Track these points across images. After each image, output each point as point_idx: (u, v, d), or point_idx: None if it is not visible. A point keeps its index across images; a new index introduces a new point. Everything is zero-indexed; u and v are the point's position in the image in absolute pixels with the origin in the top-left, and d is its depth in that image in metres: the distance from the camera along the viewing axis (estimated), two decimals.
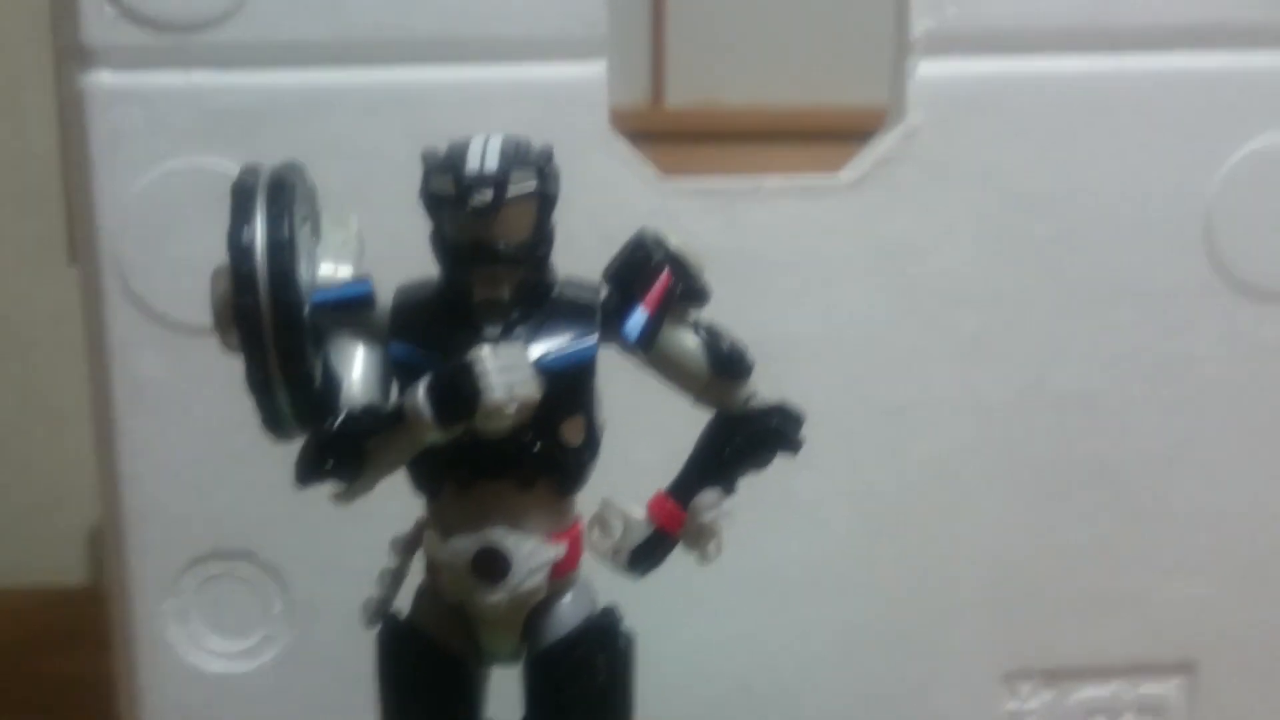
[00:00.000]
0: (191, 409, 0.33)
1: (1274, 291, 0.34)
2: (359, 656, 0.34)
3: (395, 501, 0.33)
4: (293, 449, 0.33)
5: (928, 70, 0.33)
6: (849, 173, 0.33)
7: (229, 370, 0.33)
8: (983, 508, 0.35)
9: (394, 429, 0.19)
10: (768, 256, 0.33)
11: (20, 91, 1.17)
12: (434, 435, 0.19)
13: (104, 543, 0.34)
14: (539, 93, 0.32)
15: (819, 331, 0.34)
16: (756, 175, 0.33)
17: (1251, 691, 0.36)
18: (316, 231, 0.22)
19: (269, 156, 0.32)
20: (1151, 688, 0.36)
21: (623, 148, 0.32)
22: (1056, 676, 0.36)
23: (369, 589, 0.34)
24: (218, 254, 0.32)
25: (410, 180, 0.32)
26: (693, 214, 0.33)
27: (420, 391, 0.19)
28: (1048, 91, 0.33)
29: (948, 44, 0.33)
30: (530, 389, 0.19)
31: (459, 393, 0.18)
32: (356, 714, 0.34)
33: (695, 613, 0.35)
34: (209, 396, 0.33)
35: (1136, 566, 0.35)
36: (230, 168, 0.32)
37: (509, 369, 0.19)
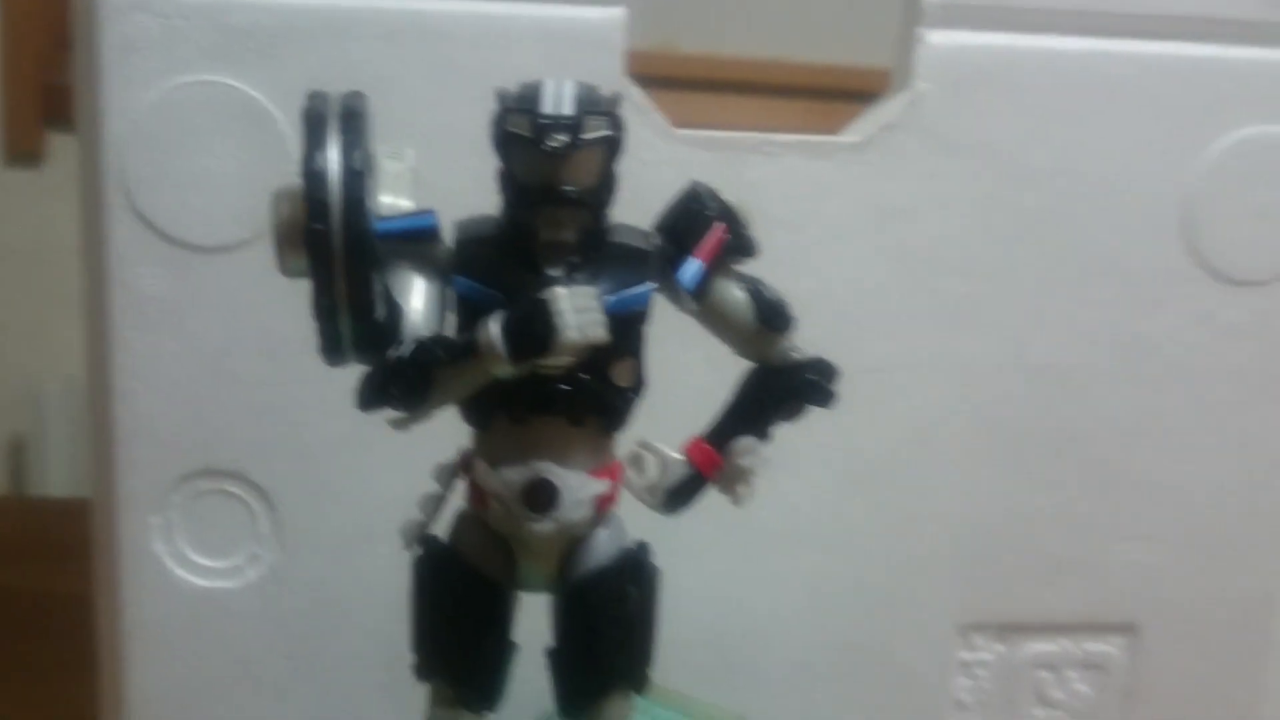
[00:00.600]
0: (189, 327, 0.33)
1: (1243, 278, 0.36)
2: (342, 580, 0.35)
3: (381, 430, 0.34)
4: (290, 374, 0.33)
5: (936, 40, 0.33)
6: (853, 135, 0.34)
7: (229, 290, 0.33)
8: (953, 469, 0.36)
9: (464, 361, 0.20)
10: (770, 211, 0.34)
11: None
12: (504, 369, 0.19)
13: (93, 456, 0.34)
14: (556, 34, 0.32)
15: (812, 288, 0.34)
16: (766, 130, 0.33)
17: (1187, 653, 0.38)
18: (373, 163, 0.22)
19: (284, 77, 0.32)
20: (1096, 646, 0.38)
21: (636, 94, 0.33)
22: (1008, 631, 0.38)
23: (354, 514, 0.34)
24: (225, 172, 0.32)
25: (426, 110, 0.32)
26: (701, 165, 0.33)
27: (494, 327, 0.19)
28: (1049, 70, 0.34)
29: (956, 16, 0.34)
30: (601, 330, 0.19)
31: (535, 330, 0.19)
32: (337, 635, 0.35)
33: (667, 559, 0.36)
34: (208, 315, 0.33)
35: (1090, 532, 0.37)
36: (243, 86, 0.32)
37: (583, 310, 0.19)
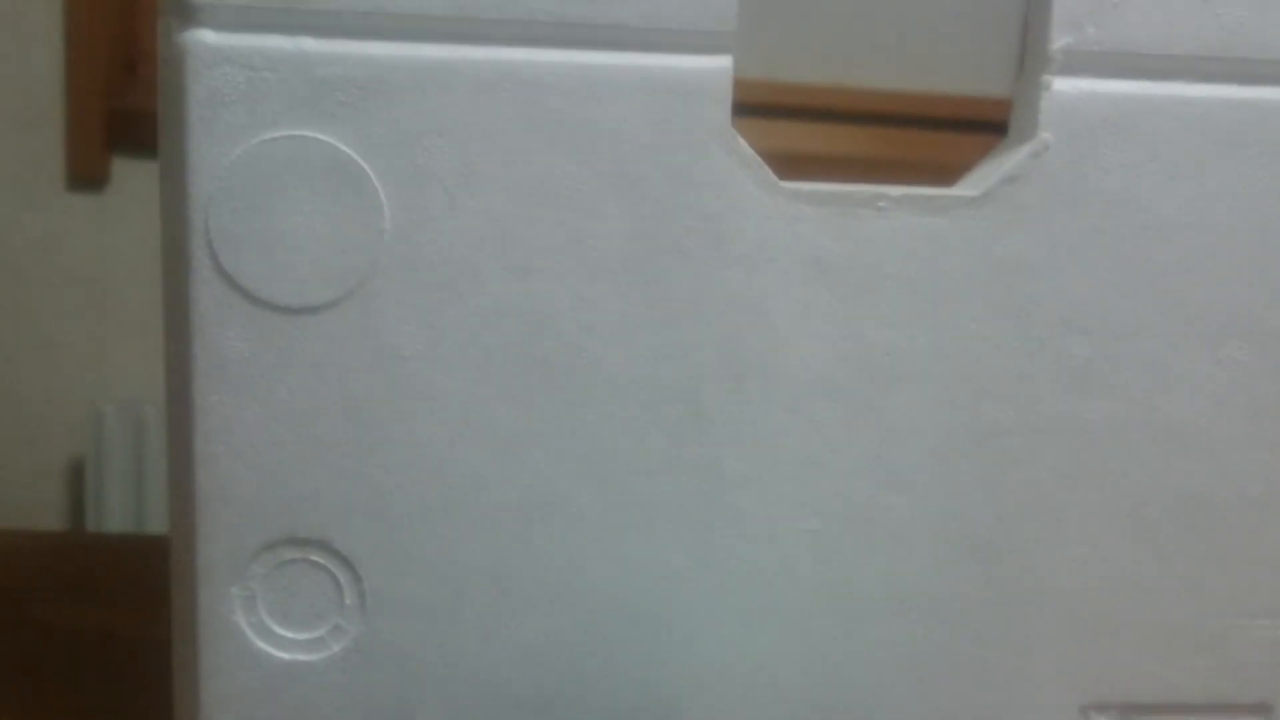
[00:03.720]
0: (275, 390, 0.31)
1: None
2: (429, 653, 0.33)
3: (470, 497, 0.32)
4: (376, 439, 0.32)
5: (1061, 88, 0.31)
6: (972, 188, 0.32)
7: (315, 352, 0.31)
8: (1073, 538, 0.34)
9: None
10: (881, 269, 0.32)
11: (24, 13, 1.14)
12: None
13: (172, 523, 0.33)
14: (660, 85, 0.31)
15: (925, 348, 0.33)
16: (880, 185, 0.31)
17: None
18: None
19: (375, 131, 0.31)
20: None
21: (743, 147, 0.31)
22: (1133, 711, 0.35)
23: (442, 585, 0.33)
24: (313, 230, 0.31)
25: (522, 164, 0.31)
26: (810, 221, 0.31)
27: None
28: (1181, 119, 0.32)
29: (1081, 63, 0.32)
30: None
31: None
32: (424, 712, 0.33)
33: (770, 625, 0.34)
34: (293, 379, 0.31)
35: (1219, 606, 0.35)
36: (333, 141, 0.30)
37: None
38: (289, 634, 0.33)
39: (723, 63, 0.30)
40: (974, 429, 0.33)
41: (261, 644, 0.32)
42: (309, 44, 0.30)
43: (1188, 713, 0.35)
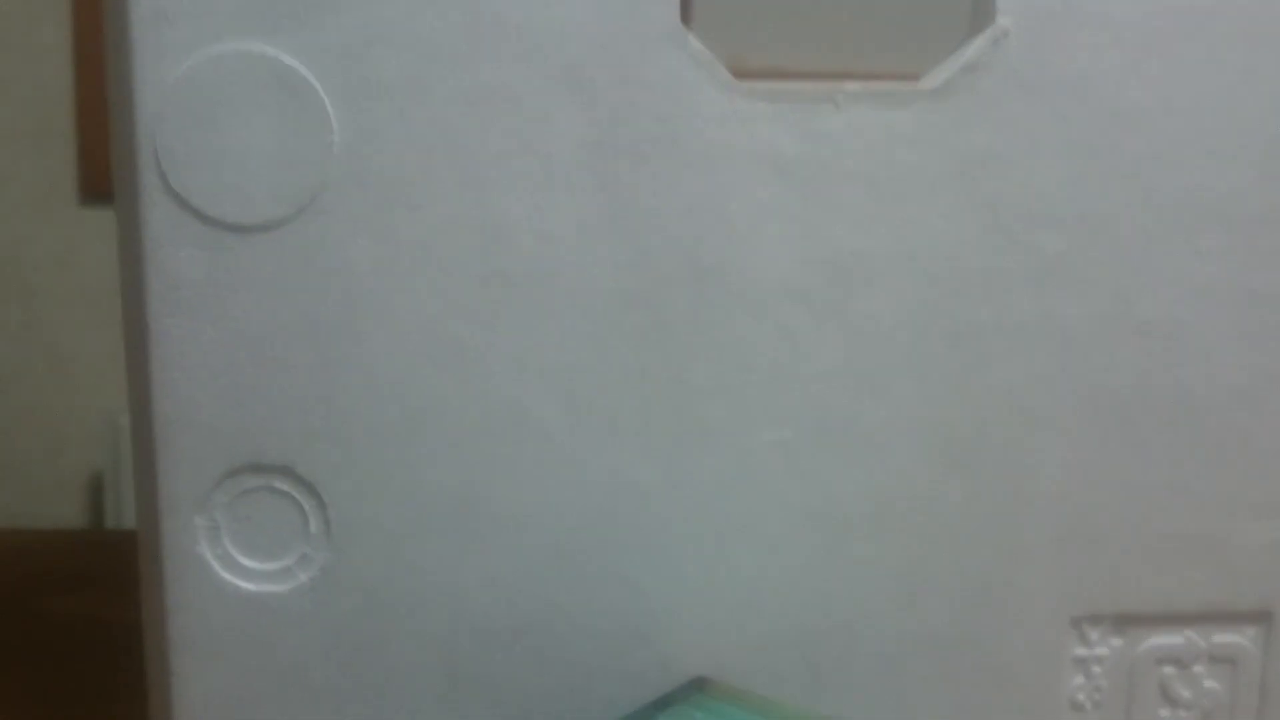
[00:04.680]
0: (230, 312, 0.31)
1: None
2: (398, 580, 0.33)
3: (435, 418, 0.32)
4: (336, 359, 0.31)
5: None
6: (931, 80, 0.31)
7: (270, 272, 0.31)
8: (1056, 441, 0.33)
9: None
10: (842, 166, 0.31)
11: (35, 28, 1.15)
12: None
13: (134, 454, 0.32)
14: None
15: (892, 248, 0.32)
16: (836, 80, 0.31)
17: None
18: None
19: (320, 43, 0.30)
20: (1225, 637, 0.34)
21: (695, 45, 0.30)
22: (1126, 622, 0.34)
23: (408, 509, 0.32)
24: (263, 145, 0.30)
25: (467, 70, 0.30)
26: (766, 119, 0.31)
27: None
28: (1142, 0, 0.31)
29: None
30: None
31: None
32: (394, 640, 0.33)
33: (746, 542, 0.33)
34: (248, 299, 0.31)
35: (1214, 508, 0.34)
36: (279, 54, 0.30)
37: None
38: (255, 564, 0.32)
39: None
40: (947, 330, 0.32)
41: (227, 575, 0.32)
42: None
43: (1184, 622, 0.34)
